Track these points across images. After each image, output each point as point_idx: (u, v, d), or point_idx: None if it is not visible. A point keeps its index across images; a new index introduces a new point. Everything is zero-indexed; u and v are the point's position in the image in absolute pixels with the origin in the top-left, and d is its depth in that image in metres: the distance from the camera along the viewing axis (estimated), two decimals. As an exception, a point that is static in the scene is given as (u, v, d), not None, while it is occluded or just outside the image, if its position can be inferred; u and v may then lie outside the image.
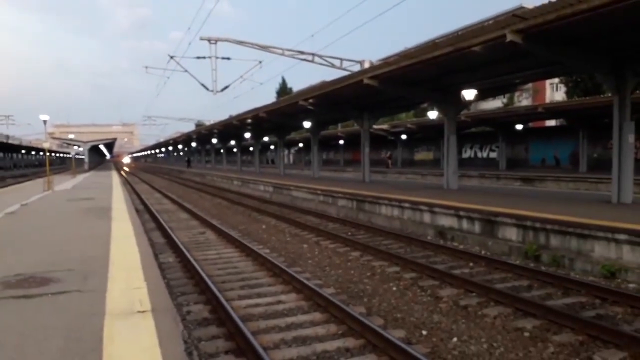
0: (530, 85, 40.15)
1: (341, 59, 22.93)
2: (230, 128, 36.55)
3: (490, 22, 10.49)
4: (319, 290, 6.54)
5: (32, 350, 3.60)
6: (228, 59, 25.30)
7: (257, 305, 6.38)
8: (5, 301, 4.80)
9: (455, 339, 5.33)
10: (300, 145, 62.50)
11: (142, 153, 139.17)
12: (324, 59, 22.72)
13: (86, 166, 55.98)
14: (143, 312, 4.44)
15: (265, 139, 46.49)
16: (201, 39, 22.83)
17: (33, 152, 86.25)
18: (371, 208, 14.60)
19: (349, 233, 12.10)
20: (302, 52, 22.73)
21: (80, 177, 35.55)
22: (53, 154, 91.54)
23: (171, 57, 25.82)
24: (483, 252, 9.59)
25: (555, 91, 47.51)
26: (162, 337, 3.79)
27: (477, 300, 6.53)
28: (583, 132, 29.13)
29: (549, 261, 8.45)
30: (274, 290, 7.13)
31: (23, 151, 79.15)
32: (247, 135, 38.03)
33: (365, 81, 14.78)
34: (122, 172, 52.69)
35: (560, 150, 32.56)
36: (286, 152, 64.07)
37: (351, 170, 41.31)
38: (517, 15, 9.20)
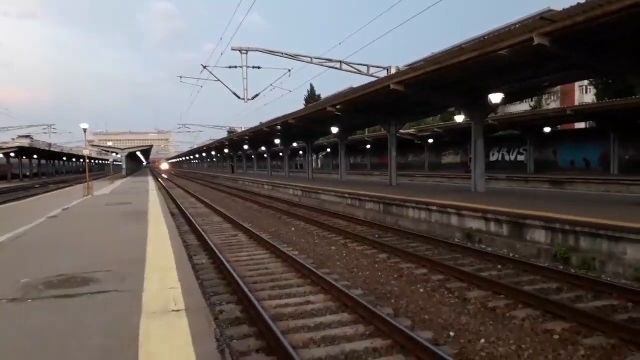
0: (558, 87, 39.32)
1: (368, 66, 23.01)
2: (260, 134, 37.06)
3: (517, 25, 10.42)
4: (347, 291, 6.63)
5: (74, 347, 3.79)
6: (258, 67, 25.75)
7: (287, 305, 6.52)
8: (48, 300, 5.06)
9: (483, 341, 5.34)
10: (328, 150, 62.77)
11: (177, 159, 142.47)
12: (351, 66, 22.83)
13: (124, 172, 57.49)
14: (177, 311, 4.60)
15: (294, 144, 46.89)
16: (232, 49, 23.30)
17: (74, 159, 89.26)
18: (398, 211, 14.62)
19: (376, 235, 12.15)
20: (329, 60, 22.90)
21: (118, 183, 36.62)
22: (92, 161, 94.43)
23: (204, 67, 26.43)
24: (511, 254, 9.52)
25: (584, 93, 46.30)
26: (196, 336, 3.94)
27: (505, 302, 6.51)
28: (614, 134, 28.42)
29: (579, 264, 8.32)
30: (303, 290, 7.26)
31: (64, 158, 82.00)
32: (277, 141, 38.47)
33: (392, 87, 14.83)
34: (159, 179, 53.71)
35: (590, 152, 31.78)
36: (314, 156, 64.38)
37: (378, 173, 41.22)
38: (544, 17, 9.12)
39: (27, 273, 6.23)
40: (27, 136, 79.18)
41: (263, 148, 48.65)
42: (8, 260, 7.29)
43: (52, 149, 74.03)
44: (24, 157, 56.60)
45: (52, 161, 75.55)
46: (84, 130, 24.11)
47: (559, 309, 6.04)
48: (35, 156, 60.91)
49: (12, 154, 52.08)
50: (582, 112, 28.31)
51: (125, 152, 56.95)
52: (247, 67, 24.66)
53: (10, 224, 11.26)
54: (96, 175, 68.03)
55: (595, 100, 35.15)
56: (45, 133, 68.62)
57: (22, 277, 5.99)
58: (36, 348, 3.82)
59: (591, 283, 7.14)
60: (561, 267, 8.37)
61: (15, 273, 6.23)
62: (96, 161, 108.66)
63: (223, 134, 76.60)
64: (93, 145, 74.97)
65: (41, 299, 5.12)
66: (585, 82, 39.68)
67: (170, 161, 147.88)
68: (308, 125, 27.59)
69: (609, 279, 7.53)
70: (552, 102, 46.29)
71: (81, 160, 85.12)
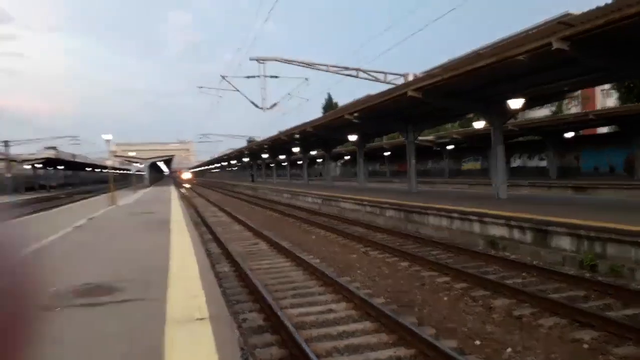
0: (579, 92, 38.72)
1: (385, 73, 23.01)
2: (279, 143, 37.28)
3: (535, 30, 10.33)
4: (369, 300, 6.61)
5: (99, 355, 3.83)
6: (276, 77, 26.05)
7: (309, 313, 6.52)
8: (75, 309, 5.13)
9: (509, 350, 5.25)
10: (347, 157, 62.75)
11: (198, 169, 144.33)
12: (368, 74, 22.87)
13: (146, 182, 58.26)
14: (201, 319, 4.59)
15: (313, 152, 47.05)
16: (250, 59, 23.63)
17: (97, 170, 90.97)
18: (419, 218, 14.51)
19: (397, 243, 12.07)
20: (346, 68, 23.00)
21: (141, 192, 37.11)
22: (116, 171, 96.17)
23: (223, 77, 26.85)
24: (535, 262, 9.36)
25: (606, 97, 45.45)
26: (220, 344, 3.92)
27: (531, 311, 6.40)
28: (639, 139, 27.81)
29: (606, 271, 8.14)
30: (324, 299, 7.25)
31: (88, 169, 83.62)
32: (296, 149, 38.65)
33: (410, 94, 14.79)
34: (181, 188, 54.25)
35: (614, 157, 31.16)
36: (333, 164, 64.42)
37: (397, 181, 41.04)
38: (563, 22, 9.01)
39: (54, 282, 6.33)
40: (52, 148, 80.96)
41: (282, 157, 48.89)
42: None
43: (76, 159, 75.58)
44: (50, 168, 57.85)
45: (77, 172, 77.13)
46: (107, 141, 24.58)
47: (587, 317, 5.90)
48: (60, 167, 62.28)
49: (38, 165, 53.31)
50: (605, 117, 27.81)
51: (148, 163, 57.83)
52: (265, 76, 24.98)
53: (38, 234, 11.50)
54: (119, 186, 69.16)
55: (618, 104, 34.54)
56: (71, 144, 70.11)
57: (50, 287, 6.10)
58: (64, 355, 3.88)
59: (620, 291, 6.97)
60: (588, 274, 8.19)
61: (43, 282, 6.34)
62: (119, 171, 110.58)
63: (242, 143, 77.21)
64: (116, 156, 76.32)
65: (68, 307, 5.20)
66: (607, 86, 39.04)
67: (191, 171, 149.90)
68: (326, 133, 27.65)
69: (639, 286, 7.33)
70: (573, 107, 45.56)
71: (105, 170, 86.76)
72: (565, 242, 9.33)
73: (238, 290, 7.88)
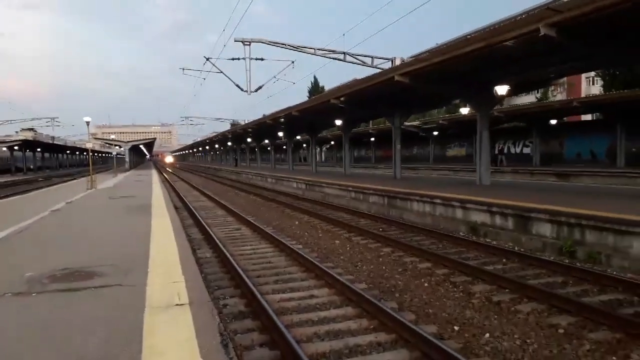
0: (564, 79, 39.14)
1: (372, 57, 22.91)
2: (263, 127, 36.99)
3: (523, 16, 10.31)
4: (351, 285, 6.61)
5: (78, 341, 3.78)
6: (261, 59, 25.70)
7: (291, 299, 6.51)
8: (53, 294, 5.05)
9: (487, 335, 5.32)
10: (332, 143, 62.71)
11: (181, 152, 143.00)
12: (355, 57, 22.74)
13: (127, 165, 57.59)
14: (181, 305, 4.58)
15: (298, 137, 46.86)
16: (235, 40, 23.20)
17: (77, 152, 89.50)
18: (402, 204, 14.57)
19: (380, 229, 12.11)
20: (333, 51, 22.81)
21: (121, 176, 36.69)
22: (96, 154, 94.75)
23: (207, 59, 26.41)
24: (516, 248, 9.48)
25: (591, 85, 46.05)
26: (199, 330, 3.92)
27: (510, 297, 6.48)
28: (621, 126, 28.29)
29: (585, 257, 8.28)
30: (306, 284, 7.24)
31: (67, 151, 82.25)
32: (280, 134, 38.41)
33: (397, 78, 14.71)
34: (163, 172, 53.69)
35: (597, 144, 31.64)
36: (318, 149, 64.33)
37: (382, 166, 41.19)
38: (551, 8, 9.01)
39: (31, 267, 6.23)
40: (30, 129, 79.34)
41: (266, 141, 48.61)
42: (12, 254, 7.30)
43: (55, 142, 74.30)
44: (27, 151, 56.70)
45: (55, 154, 75.84)
46: (87, 123, 24.14)
47: (564, 303, 6.00)
48: (38, 149, 61.10)
49: (16, 147, 52.22)
50: (589, 104, 28.17)
51: (129, 145, 57.07)
52: (251, 59, 24.63)
53: (14, 217, 11.30)
54: (99, 169, 68.24)
55: (602, 92, 34.97)
56: (48, 126, 68.77)
57: (27, 271, 6.00)
58: (41, 341, 3.82)
59: (597, 277, 7.10)
60: (567, 261, 8.32)
61: (19, 267, 6.24)
62: (99, 154, 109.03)
63: (226, 127, 76.60)
64: (96, 139, 75.15)
65: (45, 292, 5.12)
66: (592, 73, 39.53)
67: (174, 154, 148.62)
68: (312, 117, 27.51)
69: (615, 273, 7.48)
70: (558, 94, 46.12)
71: (84, 153, 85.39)
72: (545, 229, 9.45)
73: (219, 275, 7.82)
